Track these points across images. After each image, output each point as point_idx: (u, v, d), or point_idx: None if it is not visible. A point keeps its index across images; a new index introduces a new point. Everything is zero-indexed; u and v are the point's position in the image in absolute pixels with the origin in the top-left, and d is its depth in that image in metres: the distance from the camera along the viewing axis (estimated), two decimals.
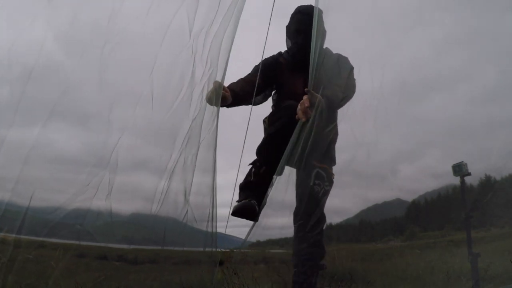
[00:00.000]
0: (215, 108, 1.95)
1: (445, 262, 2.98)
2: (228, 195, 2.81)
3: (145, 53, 2.00)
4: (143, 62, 2.01)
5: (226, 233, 2.93)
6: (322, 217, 2.03)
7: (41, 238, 2.30)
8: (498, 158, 3.25)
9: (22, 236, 2.21)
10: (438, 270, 2.83)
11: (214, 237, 2.82)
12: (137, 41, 2.01)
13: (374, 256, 3.49)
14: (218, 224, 2.71)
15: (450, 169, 2.95)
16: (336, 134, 2.32)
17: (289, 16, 2.36)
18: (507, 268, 2.31)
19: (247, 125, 2.68)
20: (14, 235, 2.16)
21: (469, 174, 2.83)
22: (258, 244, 3.88)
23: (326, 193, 1.96)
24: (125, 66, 2.10)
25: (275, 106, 2.38)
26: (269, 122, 2.04)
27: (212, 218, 2.70)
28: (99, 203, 2.09)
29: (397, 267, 3.08)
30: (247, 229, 3.20)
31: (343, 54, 2.32)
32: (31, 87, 2.30)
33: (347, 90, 2.08)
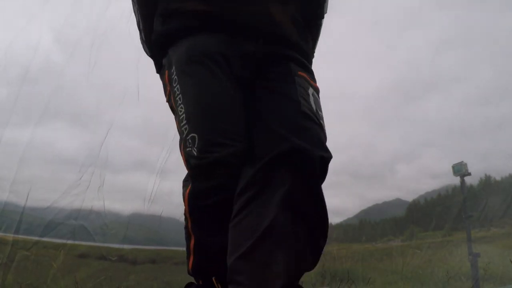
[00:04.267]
0: None
1: (445, 262, 2.99)
2: None
3: (129, 51, 2.00)
4: (128, 60, 2.02)
5: None
6: None
7: (36, 238, 2.30)
8: (497, 158, 3.27)
9: (20, 236, 2.22)
10: (438, 269, 2.84)
11: None
12: (123, 40, 2.03)
13: (374, 255, 3.49)
14: None
15: (449, 169, 2.96)
16: None
17: None
18: (507, 268, 2.31)
19: None
20: (12, 235, 2.16)
21: (469, 174, 2.85)
22: None
23: None
24: (112, 64, 2.12)
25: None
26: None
27: None
28: (91, 198, 2.09)
29: (397, 267, 3.08)
30: None
31: (341, 55, 2.17)
32: (27, 87, 2.33)
33: None
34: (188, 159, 0.83)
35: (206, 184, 0.82)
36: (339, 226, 3.74)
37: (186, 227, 0.89)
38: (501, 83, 3.27)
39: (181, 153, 0.87)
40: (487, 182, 3.24)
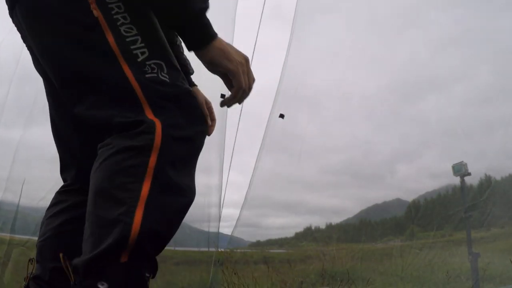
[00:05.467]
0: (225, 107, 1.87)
1: (445, 262, 2.98)
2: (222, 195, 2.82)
3: None
4: None
5: (223, 233, 2.93)
6: None
7: (31, 237, 2.30)
8: (496, 158, 3.26)
9: (17, 235, 2.23)
10: (438, 269, 2.83)
11: (216, 237, 2.84)
12: None
13: (374, 256, 3.49)
14: (215, 224, 2.72)
15: (449, 169, 2.96)
16: None
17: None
18: (507, 268, 2.31)
19: (237, 124, 2.71)
20: (9, 234, 2.17)
21: (469, 174, 2.85)
22: (258, 244, 3.89)
23: None
24: None
25: None
26: None
27: (211, 218, 2.71)
28: None
29: (397, 267, 3.07)
30: (246, 229, 3.20)
31: (340, 55, 2.15)
32: (28, 87, 2.33)
33: None
34: (153, 85, 0.70)
35: (183, 114, 0.71)
36: (339, 226, 3.73)
37: (132, 166, 0.64)
38: (501, 83, 3.26)
39: (127, 74, 0.69)
40: (487, 182, 3.23)
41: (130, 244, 0.60)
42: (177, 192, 0.68)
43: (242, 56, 0.84)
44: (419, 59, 3.40)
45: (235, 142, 2.79)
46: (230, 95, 0.86)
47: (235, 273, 2.51)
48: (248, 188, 2.93)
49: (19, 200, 2.16)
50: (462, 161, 2.85)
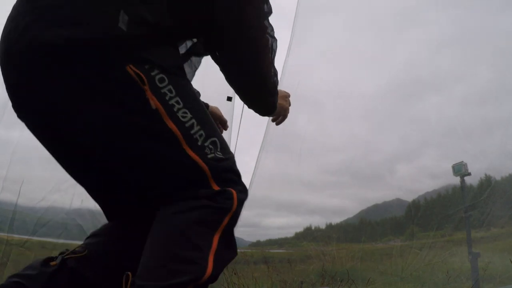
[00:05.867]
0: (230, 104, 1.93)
1: (445, 262, 2.98)
2: None
3: None
4: None
5: None
6: None
7: (32, 237, 2.31)
8: (496, 158, 3.26)
9: (20, 236, 2.23)
10: (438, 269, 2.83)
11: None
12: None
13: (374, 256, 3.49)
14: None
15: (449, 169, 2.96)
16: None
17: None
18: (507, 268, 2.31)
19: (238, 124, 2.70)
20: (6, 234, 2.18)
21: (469, 174, 2.85)
22: (258, 244, 3.90)
23: None
24: None
25: None
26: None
27: None
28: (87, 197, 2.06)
29: (397, 267, 3.07)
30: (246, 229, 3.20)
31: (340, 55, 2.18)
32: None
33: None
34: (215, 164, 0.80)
35: (240, 180, 0.87)
36: (339, 226, 3.73)
37: (212, 221, 0.77)
38: (501, 83, 3.26)
39: (194, 159, 0.78)
40: (487, 182, 3.23)
41: (198, 284, 0.71)
42: (232, 247, 0.83)
43: (288, 97, 1.24)
44: (419, 59, 3.40)
45: (236, 142, 2.79)
46: (277, 120, 1.27)
47: (235, 273, 2.51)
48: (248, 188, 2.92)
49: (17, 200, 2.17)
50: (462, 161, 2.85)
